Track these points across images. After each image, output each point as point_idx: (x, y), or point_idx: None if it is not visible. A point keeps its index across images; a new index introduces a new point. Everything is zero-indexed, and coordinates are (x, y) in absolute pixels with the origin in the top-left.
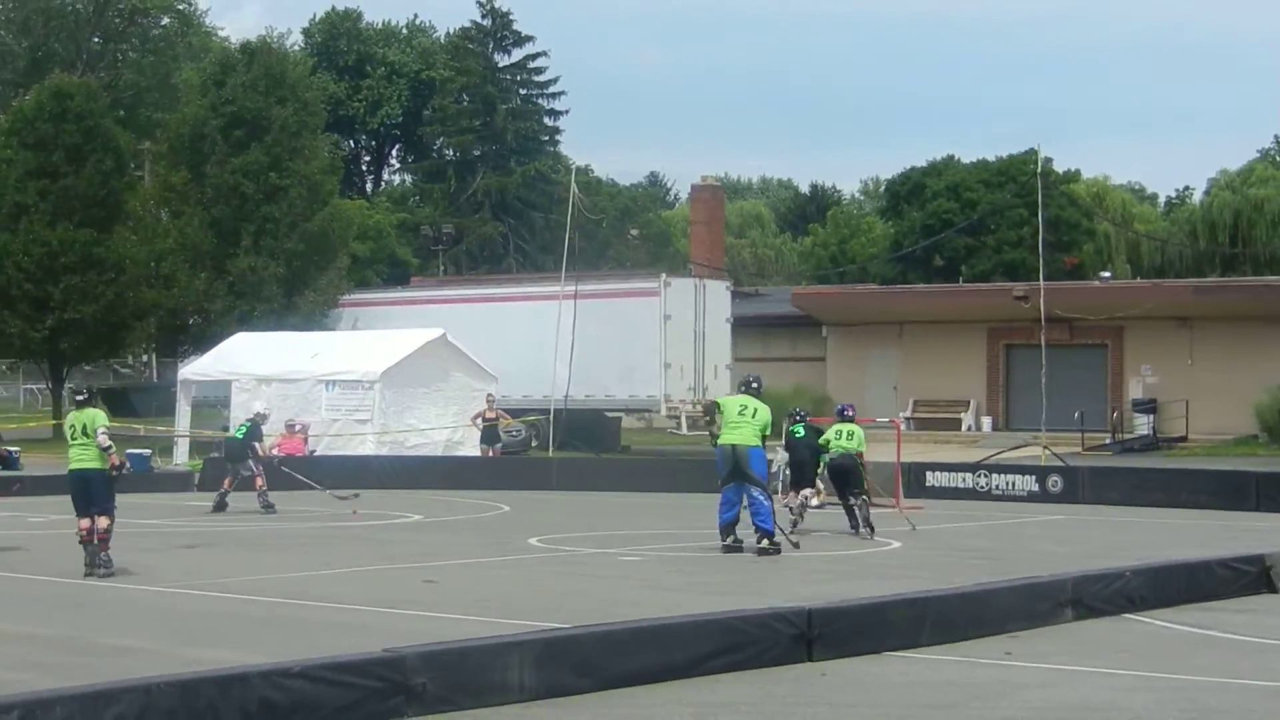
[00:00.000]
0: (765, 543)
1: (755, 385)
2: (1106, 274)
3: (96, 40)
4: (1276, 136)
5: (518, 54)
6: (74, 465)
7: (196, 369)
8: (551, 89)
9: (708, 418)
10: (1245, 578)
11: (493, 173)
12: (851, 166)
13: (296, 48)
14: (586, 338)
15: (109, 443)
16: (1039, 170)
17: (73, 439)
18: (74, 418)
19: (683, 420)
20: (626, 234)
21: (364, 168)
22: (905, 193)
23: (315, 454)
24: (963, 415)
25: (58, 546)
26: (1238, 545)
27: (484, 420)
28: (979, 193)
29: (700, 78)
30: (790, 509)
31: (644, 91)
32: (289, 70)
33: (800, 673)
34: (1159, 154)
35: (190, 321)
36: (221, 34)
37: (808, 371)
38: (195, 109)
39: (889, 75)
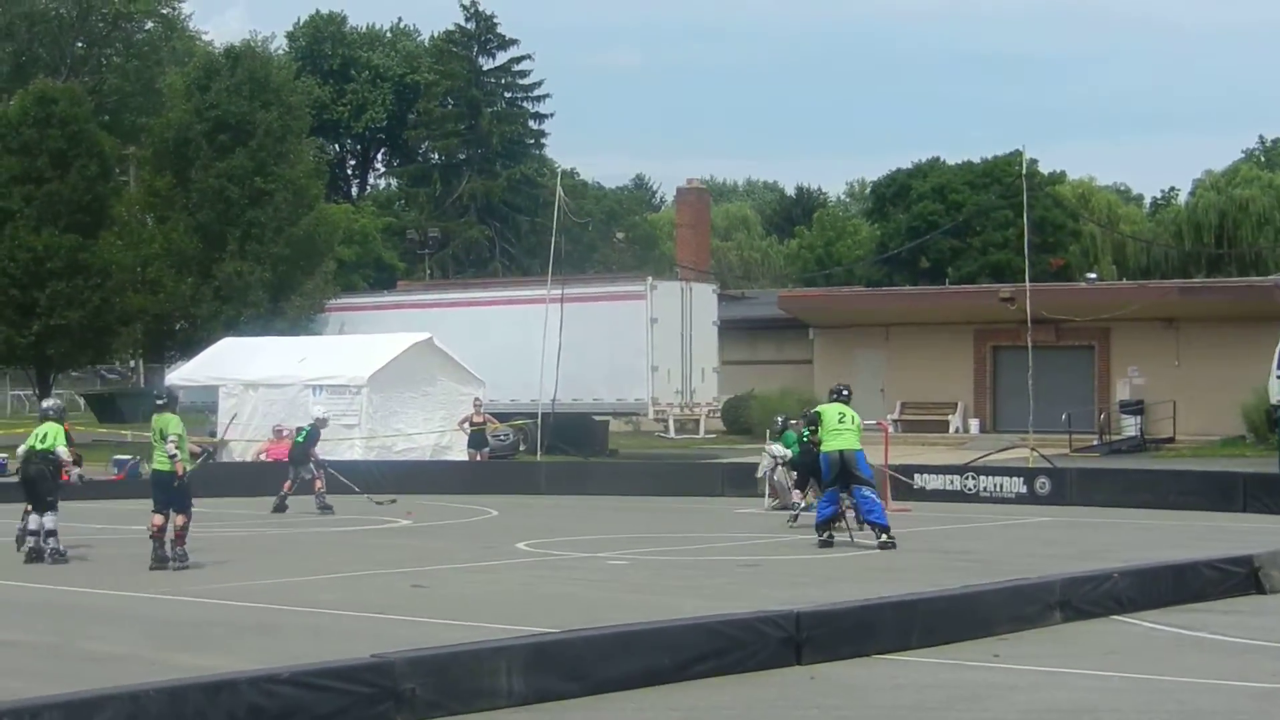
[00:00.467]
0: (884, 537)
1: (846, 393)
2: (1092, 275)
3: (80, 45)
4: (1261, 137)
5: (502, 57)
6: (154, 466)
7: (183, 374)
8: (536, 92)
9: (811, 428)
10: (1233, 579)
11: (478, 176)
12: (837, 169)
13: (280, 52)
14: (573, 341)
15: (175, 450)
16: (1024, 172)
17: (154, 442)
18: (154, 421)
19: (670, 423)
20: (612, 237)
21: (349, 172)
22: (891, 195)
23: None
24: (950, 417)
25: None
26: (1225, 546)
27: (471, 424)
28: (964, 194)
29: (685, 81)
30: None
31: (629, 94)
32: (273, 74)
33: (789, 676)
34: (1144, 155)
35: (177, 327)
36: (205, 38)
37: (794, 374)
38: (179, 113)
39: (874, 77)
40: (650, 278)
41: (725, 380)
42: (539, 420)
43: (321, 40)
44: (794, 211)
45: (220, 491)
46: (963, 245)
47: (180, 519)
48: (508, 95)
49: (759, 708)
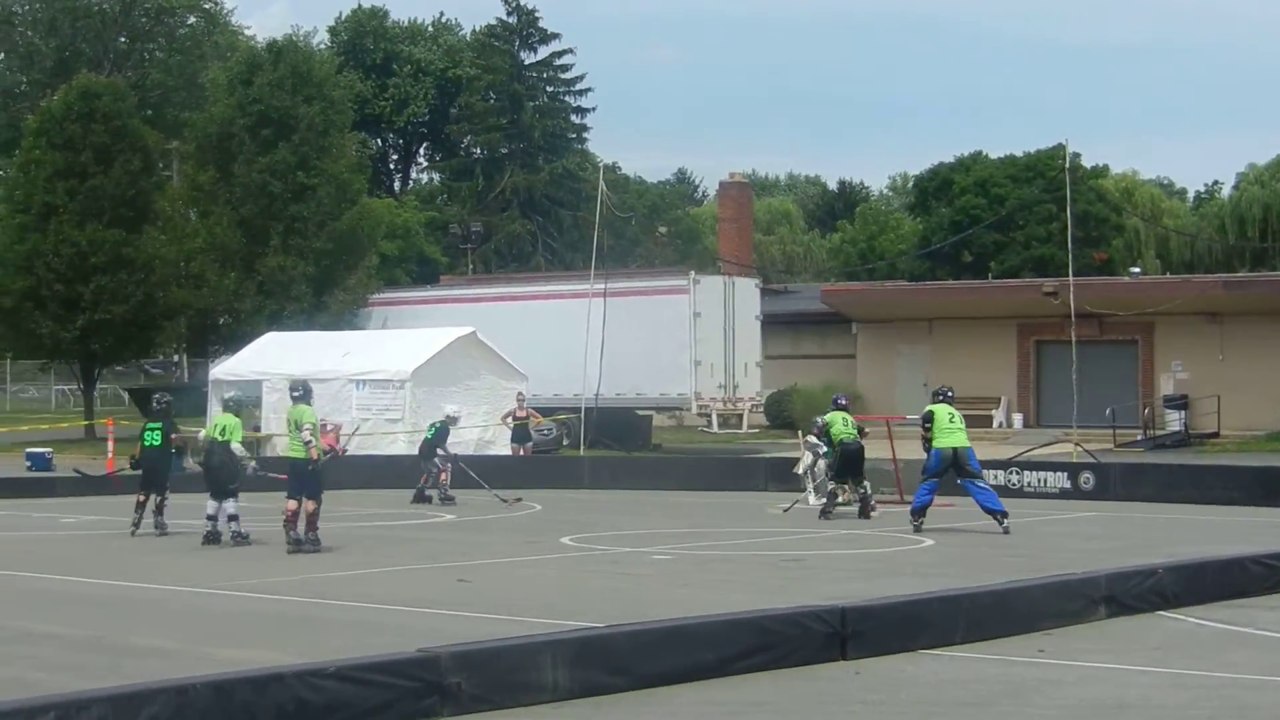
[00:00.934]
0: (1006, 523)
1: (950, 394)
2: (1136, 269)
3: (123, 40)
4: None
5: (544, 51)
6: (288, 454)
7: (227, 369)
8: (578, 86)
9: (926, 425)
10: (1278, 574)
11: (520, 170)
12: (879, 163)
13: (323, 46)
14: (616, 336)
15: (310, 438)
16: (1067, 165)
17: (289, 432)
18: (289, 412)
19: (713, 418)
20: (655, 231)
21: (391, 166)
22: (933, 189)
23: (347, 453)
24: (993, 412)
25: (88, 547)
26: (1271, 541)
27: (515, 419)
28: (1007, 188)
29: (727, 74)
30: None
31: (670, 88)
32: (315, 69)
33: (834, 671)
34: (1188, 149)
35: (220, 321)
36: (248, 33)
37: (838, 368)
38: (222, 108)
39: (916, 71)
40: (693, 272)
41: (768, 375)
42: (582, 415)
43: (363, 35)
44: (836, 206)
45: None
46: (1005, 239)
47: (311, 505)
48: (549, 89)
49: (804, 702)
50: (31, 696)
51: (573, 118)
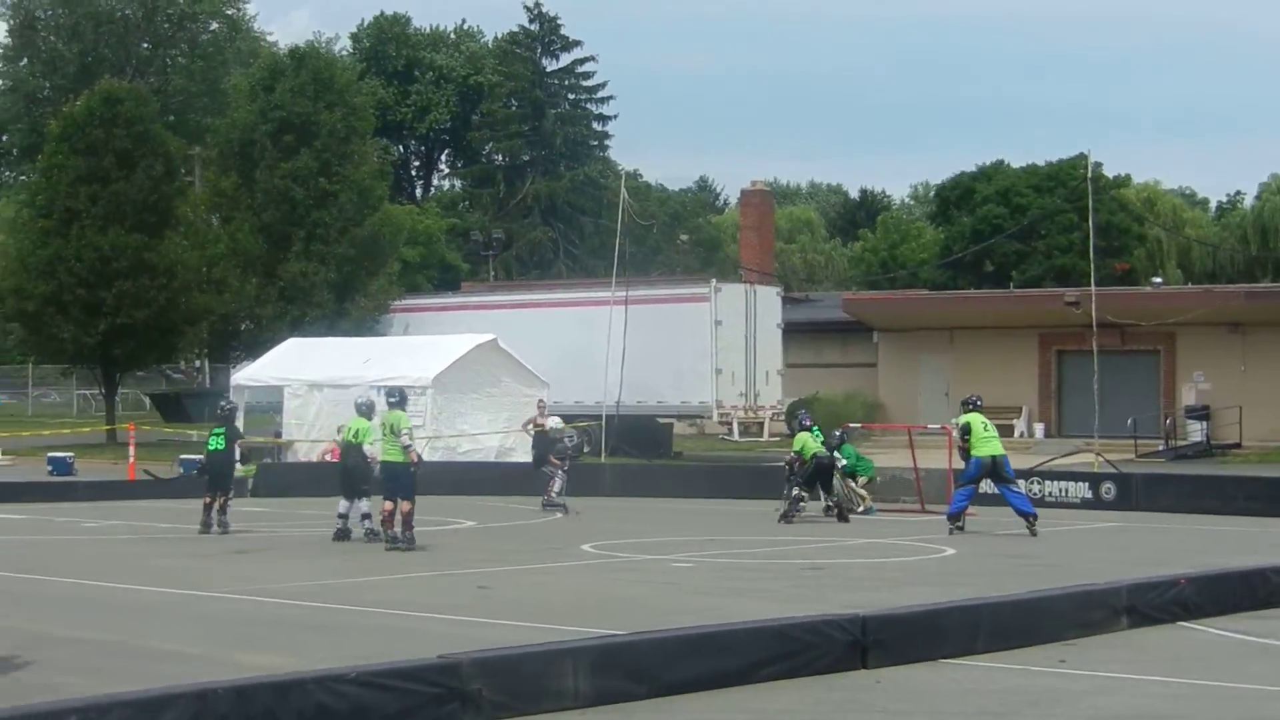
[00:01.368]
0: (1035, 525)
1: (980, 402)
2: (1158, 279)
3: (145, 45)
4: None
5: (566, 59)
6: (383, 458)
7: (249, 374)
8: (600, 94)
9: (965, 436)
10: None
11: (542, 178)
12: (901, 171)
13: (345, 53)
14: (637, 343)
15: (409, 442)
16: (1089, 175)
17: (383, 435)
18: (385, 417)
19: (734, 426)
20: (676, 239)
21: (413, 173)
22: (955, 198)
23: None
24: (1015, 421)
25: (109, 551)
26: None
27: (535, 426)
28: (1029, 198)
29: (749, 82)
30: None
31: (692, 96)
32: (337, 75)
33: (855, 680)
34: (1210, 158)
35: (242, 327)
36: (270, 39)
37: (859, 377)
38: (244, 114)
39: (938, 79)
40: (714, 280)
41: (789, 383)
42: (603, 422)
43: (386, 41)
44: (858, 214)
45: (287, 491)
46: (1027, 249)
47: (405, 505)
48: (571, 97)
49: (824, 711)
50: (54, 700)
51: (594, 125)
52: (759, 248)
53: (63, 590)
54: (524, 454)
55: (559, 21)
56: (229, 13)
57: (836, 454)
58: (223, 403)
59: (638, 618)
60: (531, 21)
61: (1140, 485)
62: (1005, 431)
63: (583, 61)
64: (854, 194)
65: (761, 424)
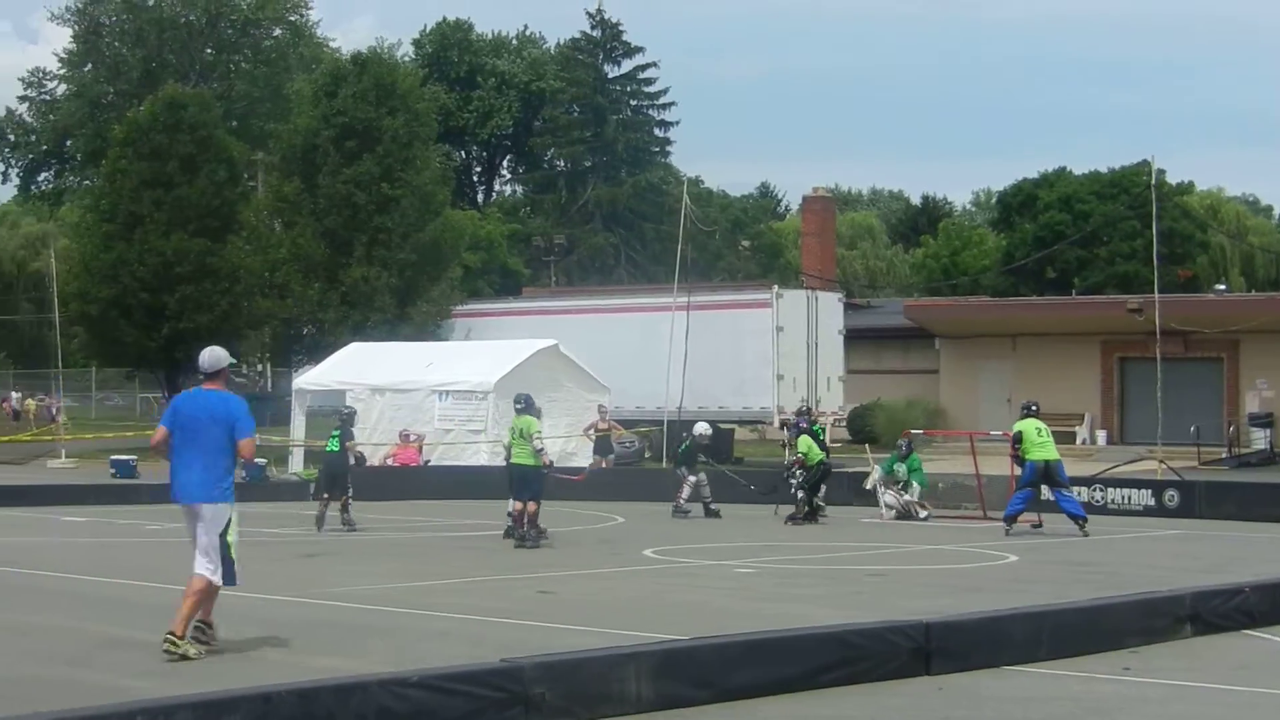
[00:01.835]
0: (1086, 527)
1: (1036, 409)
2: (1221, 286)
3: (209, 51)
4: None
5: (628, 65)
6: (513, 460)
7: (311, 378)
8: (662, 100)
9: (1016, 445)
10: None
11: (603, 184)
12: (963, 178)
13: (407, 59)
14: (699, 349)
15: (541, 445)
16: (1153, 182)
17: (512, 440)
18: (514, 423)
19: None
20: (738, 245)
21: (475, 178)
22: (1017, 204)
23: (429, 464)
24: (1077, 429)
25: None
26: None
27: (597, 431)
28: (1091, 204)
29: (811, 89)
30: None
31: (754, 102)
32: (400, 81)
33: (917, 687)
34: (1274, 166)
35: (304, 331)
36: (333, 45)
37: (920, 383)
38: (307, 120)
39: (1000, 85)
40: (776, 286)
41: (850, 389)
42: (664, 428)
43: (448, 47)
44: (919, 221)
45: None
46: (1089, 256)
47: (532, 506)
48: (633, 103)
49: (887, 717)
50: (118, 702)
51: (656, 131)
52: (821, 254)
53: (126, 593)
54: (584, 459)
55: (621, 28)
56: (292, 19)
57: (900, 465)
58: (342, 408)
59: (699, 623)
60: (594, 28)
61: (1203, 493)
62: (1067, 438)
63: (645, 68)
64: (916, 200)
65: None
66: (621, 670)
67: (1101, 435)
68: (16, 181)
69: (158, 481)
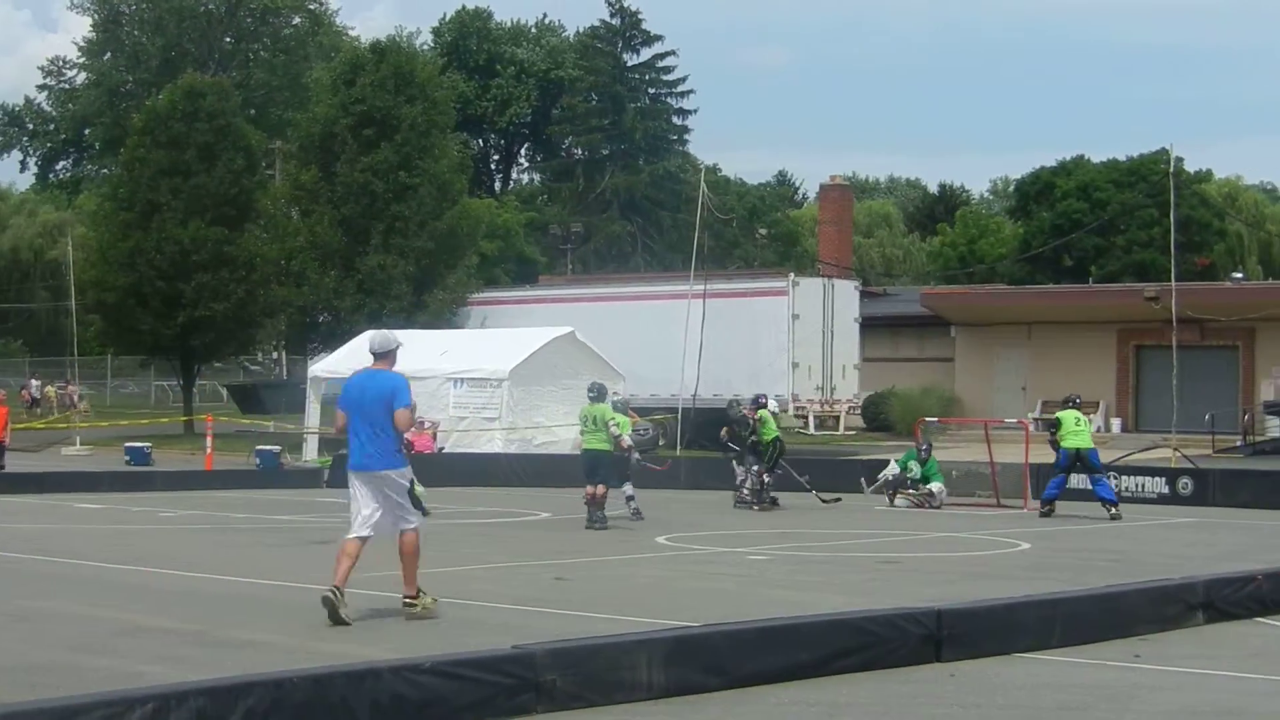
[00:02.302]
0: (1114, 510)
1: (1079, 401)
2: (1238, 275)
3: (228, 40)
4: None
5: (646, 53)
6: (587, 446)
7: (326, 366)
8: (680, 88)
9: (1053, 429)
10: None
11: (621, 172)
12: (980, 166)
13: (426, 47)
14: (714, 337)
15: (618, 431)
16: (1171, 170)
17: (585, 428)
18: (587, 410)
19: (810, 420)
20: (754, 233)
21: (493, 166)
22: (1034, 192)
23: (444, 451)
24: (1092, 416)
25: (187, 542)
26: None
27: None
28: (1109, 193)
29: (828, 77)
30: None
31: (772, 91)
32: (418, 69)
33: (929, 673)
34: None
35: (320, 319)
36: (351, 33)
37: (936, 372)
38: (325, 108)
39: (1017, 73)
40: (792, 274)
41: (866, 377)
42: (679, 415)
43: (467, 36)
44: (936, 209)
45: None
46: (1106, 244)
47: (601, 489)
48: (651, 91)
49: (898, 704)
50: (132, 687)
51: (674, 119)
52: (837, 242)
53: (142, 579)
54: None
55: (640, 16)
56: (311, 7)
57: (915, 464)
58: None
59: (712, 610)
60: (613, 16)
61: (1217, 481)
62: None
63: (663, 56)
64: (933, 189)
65: (838, 417)
66: (633, 657)
67: (1116, 423)
68: (35, 170)
69: (172, 469)
